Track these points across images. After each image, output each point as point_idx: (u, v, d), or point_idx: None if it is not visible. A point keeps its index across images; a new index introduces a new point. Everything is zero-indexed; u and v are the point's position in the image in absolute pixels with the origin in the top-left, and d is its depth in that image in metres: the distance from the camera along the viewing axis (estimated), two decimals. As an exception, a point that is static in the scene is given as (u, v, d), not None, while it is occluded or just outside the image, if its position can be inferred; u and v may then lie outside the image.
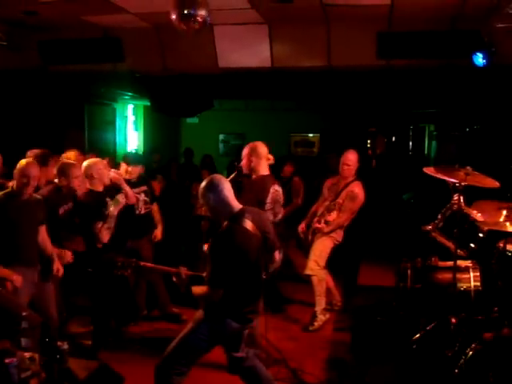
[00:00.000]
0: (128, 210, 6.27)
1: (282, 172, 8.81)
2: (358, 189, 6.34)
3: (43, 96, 9.23)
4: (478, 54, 6.94)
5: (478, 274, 5.26)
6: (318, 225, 6.38)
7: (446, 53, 7.34)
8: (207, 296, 3.76)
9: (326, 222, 6.34)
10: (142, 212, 6.56)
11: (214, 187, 3.84)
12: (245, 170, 5.47)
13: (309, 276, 6.33)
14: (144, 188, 6.65)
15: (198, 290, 3.84)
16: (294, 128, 14.37)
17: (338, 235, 6.42)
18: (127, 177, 6.44)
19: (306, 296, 6.87)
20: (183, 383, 3.91)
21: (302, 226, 6.64)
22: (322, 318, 6.31)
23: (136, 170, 6.60)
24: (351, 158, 6.43)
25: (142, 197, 6.57)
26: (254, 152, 5.43)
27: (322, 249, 6.32)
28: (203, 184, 3.88)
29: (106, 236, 5.65)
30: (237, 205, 3.90)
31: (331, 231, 6.35)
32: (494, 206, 5.40)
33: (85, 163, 5.83)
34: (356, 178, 6.47)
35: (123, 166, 6.65)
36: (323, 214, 6.43)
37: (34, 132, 8.70)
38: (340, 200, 6.34)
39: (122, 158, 7.89)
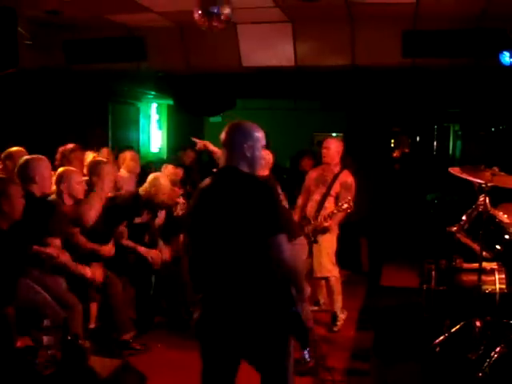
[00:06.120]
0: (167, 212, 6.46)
1: (300, 166, 8.57)
2: (350, 178, 6.17)
3: (67, 95, 9.29)
4: (504, 52, 6.85)
5: (504, 276, 5.17)
6: (326, 223, 6.15)
7: (472, 52, 7.25)
8: None
9: (330, 216, 6.13)
10: (180, 214, 6.71)
11: None
12: None
13: (325, 277, 6.27)
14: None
15: None
16: (317, 127, 14.29)
17: (337, 228, 6.25)
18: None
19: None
20: None
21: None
22: (342, 316, 6.25)
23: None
24: (331, 141, 6.30)
25: (182, 200, 6.78)
26: None
27: (331, 247, 6.20)
28: None
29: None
30: None
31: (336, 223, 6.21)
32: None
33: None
34: (343, 167, 6.28)
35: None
36: (319, 209, 6.16)
37: (58, 131, 8.75)
38: (333, 192, 6.13)
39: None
